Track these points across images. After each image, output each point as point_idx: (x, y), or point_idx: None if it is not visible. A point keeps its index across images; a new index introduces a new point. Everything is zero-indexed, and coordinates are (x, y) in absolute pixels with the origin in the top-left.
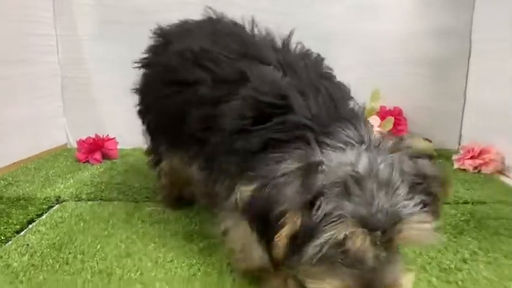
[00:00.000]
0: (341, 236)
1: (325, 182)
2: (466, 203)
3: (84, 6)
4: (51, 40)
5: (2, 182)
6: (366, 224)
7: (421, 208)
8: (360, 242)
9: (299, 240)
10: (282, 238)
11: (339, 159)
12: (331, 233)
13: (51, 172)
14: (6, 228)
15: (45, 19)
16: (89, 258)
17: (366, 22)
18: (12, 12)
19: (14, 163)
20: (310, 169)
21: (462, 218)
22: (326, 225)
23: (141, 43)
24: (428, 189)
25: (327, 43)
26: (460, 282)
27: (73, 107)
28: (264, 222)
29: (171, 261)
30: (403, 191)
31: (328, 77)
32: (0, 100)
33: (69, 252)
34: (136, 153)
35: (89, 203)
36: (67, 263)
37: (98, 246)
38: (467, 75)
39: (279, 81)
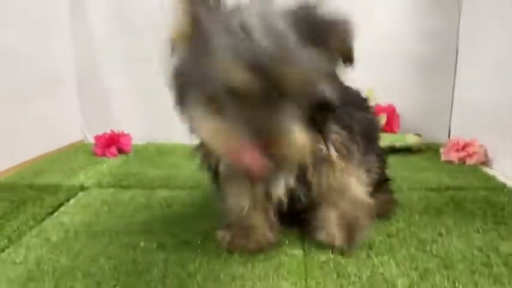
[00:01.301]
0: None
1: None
2: (448, 189)
3: (100, 4)
4: (67, 39)
5: (28, 172)
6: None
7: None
8: (238, 76)
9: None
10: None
11: None
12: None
13: (72, 164)
14: (40, 210)
15: (61, 21)
16: (116, 234)
17: (359, 22)
18: (30, 9)
19: (36, 157)
20: None
21: (443, 201)
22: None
23: (152, 41)
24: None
25: None
26: (434, 251)
27: (89, 105)
28: None
29: (187, 233)
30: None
31: None
32: (21, 99)
33: (98, 229)
34: (149, 147)
35: (110, 189)
36: (97, 237)
37: (123, 225)
38: (455, 75)
39: None
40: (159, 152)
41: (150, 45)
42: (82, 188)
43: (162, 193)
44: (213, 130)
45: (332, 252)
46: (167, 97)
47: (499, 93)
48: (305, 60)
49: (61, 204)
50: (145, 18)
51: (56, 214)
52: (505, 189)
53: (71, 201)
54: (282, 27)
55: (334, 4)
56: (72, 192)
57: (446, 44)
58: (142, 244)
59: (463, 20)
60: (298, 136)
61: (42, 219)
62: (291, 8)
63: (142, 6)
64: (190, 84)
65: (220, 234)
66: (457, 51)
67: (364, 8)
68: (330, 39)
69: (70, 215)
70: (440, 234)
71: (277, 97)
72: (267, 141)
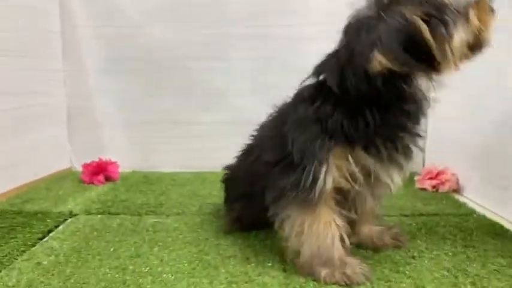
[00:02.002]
0: None
1: None
2: (421, 215)
3: (91, 43)
4: (60, 74)
5: (17, 199)
6: None
7: None
8: None
9: None
10: None
11: None
12: None
13: (60, 192)
14: (30, 236)
15: (54, 55)
16: (105, 258)
17: None
18: (23, 49)
19: (25, 184)
20: None
21: (416, 227)
22: None
23: (141, 77)
24: None
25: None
26: (407, 272)
27: (77, 134)
28: None
29: (174, 259)
30: None
31: None
32: (12, 128)
33: (88, 254)
34: (135, 175)
35: (99, 216)
36: (87, 261)
37: (112, 249)
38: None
39: None
40: (146, 180)
41: (138, 81)
42: (71, 215)
43: (149, 219)
44: None
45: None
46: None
47: (470, 124)
48: None
49: (50, 230)
50: (134, 54)
51: (46, 239)
52: (474, 215)
53: (60, 227)
54: None
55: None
56: (61, 218)
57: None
58: (131, 267)
59: None
60: None
61: (33, 245)
62: None
63: (131, 42)
64: None
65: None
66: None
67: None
68: None
69: (60, 240)
70: (413, 257)
71: None
72: None
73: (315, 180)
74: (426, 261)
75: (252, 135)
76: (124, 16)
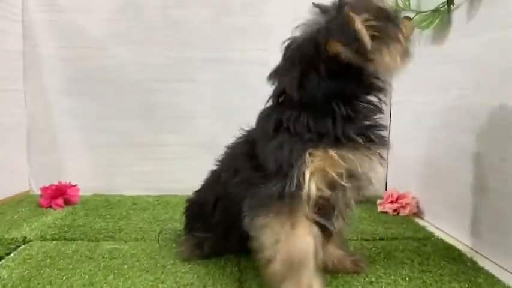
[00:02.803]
0: None
1: None
2: (381, 239)
3: (52, 63)
4: (20, 94)
5: None
6: None
7: None
8: None
9: None
10: None
11: None
12: None
13: (15, 216)
14: None
15: (14, 76)
16: (56, 287)
17: None
18: None
19: None
20: None
21: (376, 251)
22: None
23: (103, 98)
24: None
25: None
26: None
27: (37, 155)
28: None
29: (128, 286)
30: None
31: None
32: None
33: (38, 283)
34: (96, 198)
35: (54, 242)
36: None
37: (64, 278)
38: (389, 131)
39: None
40: (107, 204)
41: (100, 103)
42: (24, 241)
43: (106, 245)
44: None
45: None
46: (115, 150)
47: (428, 149)
48: None
49: (1, 258)
50: (96, 75)
51: None
52: (433, 239)
53: (12, 254)
54: None
55: None
56: (13, 245)
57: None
58: None
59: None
60: None
61: None
62: None
63: (93, 63)
64: None
65: None
66: (390, 111)
67: None
68: None
69: (9, 269)
70: (370, 283)
71: None
72: None
73: (298, 186)
74: (383, 287)
75: (219, 160)
76: (86, 37)
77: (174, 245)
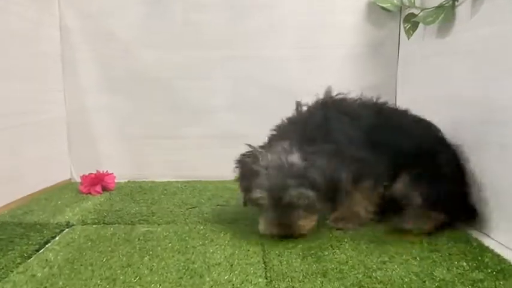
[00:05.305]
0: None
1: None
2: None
3: (88, 65)
4: (60, 93)
5: (19, 211)
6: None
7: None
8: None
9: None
10: None
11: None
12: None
13: (59, 202)
14: (27, 248)
15: (54, 77)
16: (97, 269)
17: (312, 79)
18: (26, 72)
19: (26, 195)
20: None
21: (387, 231)
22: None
23: (132, 96)
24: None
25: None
26: (378, 277)
27: (77, 148)
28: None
29: (162, 268)
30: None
31: None
32: (18, 143)
33: (81, 264)
34: (130, 185)
35: (94, 226)
36: (80, 272)
37: (104, 259)
38: None
39: None
40: (140, 189)
41: (130, 100)
42: (68, 225)
43: (141, 228)
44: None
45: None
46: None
47: None
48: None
49: (47, 241)
50: (125, 75)
51: (42, 251)
52: None
53: (57, 238)
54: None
55: None
56: (58, 229)
57: (386, 97)
58: (121, 277)
59: (399, 75)
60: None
61: (29, 256)
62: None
63: (122, 64)
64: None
65: None
66: (395, 103)
67: (316, 66)
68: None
69: (55, 251)
70: (384, 262)
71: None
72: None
73: None
74: (396, 266)
75: None
76: (116, 40)
77: (201, 227)
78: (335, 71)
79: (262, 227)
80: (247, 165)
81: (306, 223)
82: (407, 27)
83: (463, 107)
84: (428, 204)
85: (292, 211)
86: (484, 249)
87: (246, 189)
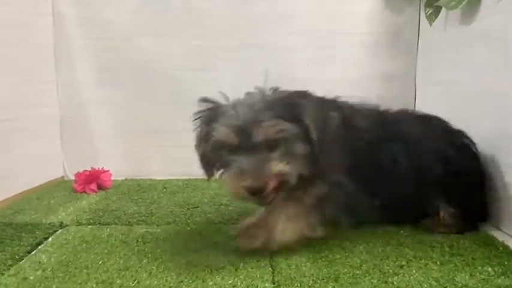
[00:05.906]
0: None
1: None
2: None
3: (83, 55)
4: (53, 85)
5: (9, 210)
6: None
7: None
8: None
9: None
10: None
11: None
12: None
13: (51, 202)
14: (18, 249)
15: (47, 68)
16: (92, 272)
17: (323, 68)
18: (16, 63)
19: (17, 194)
20: None
21: (404, 235)
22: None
23: (131, 88)
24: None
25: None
26: (395, 283)
27: (70, 143)
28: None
29: (162, 271)
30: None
31: None
32: (6, 139)
33: (76, 267)
34: (128, 183)
35: (89, 227)
36: (74, 276)
37: (100, 262)
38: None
39: None
40: (139, 188)
41: (128, 92)
42: (61, 226)
43: (140, 229)
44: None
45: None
46: (144, 137)
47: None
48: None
49: (40, 243)
50: (124, 66)
51: (34, 253)
52: None
53: (50, 239)
54: (258, 108)
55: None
56: (51, 230)
57: (405, 86)
58: (118, 281)
59: (419, 63)
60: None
61: (21, 258)
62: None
63: (121, 54)
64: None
65: None
66: (415, 92)
67: (328, 55)
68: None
69: (48, 253)
70: (401, 267)
71: (252, 146)
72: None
73: None
74: (414, 271)
75: None
76: (113, 29)
77: (204, 228)
78: (349, 61)
79: (231, 183)
80: (208, 119)
81: (288, 169)
82: (428, 13)
83: (488, 99)
84: (457, 214)
85: (268, 154)
86: (511, 253)
87: (206, 138)
